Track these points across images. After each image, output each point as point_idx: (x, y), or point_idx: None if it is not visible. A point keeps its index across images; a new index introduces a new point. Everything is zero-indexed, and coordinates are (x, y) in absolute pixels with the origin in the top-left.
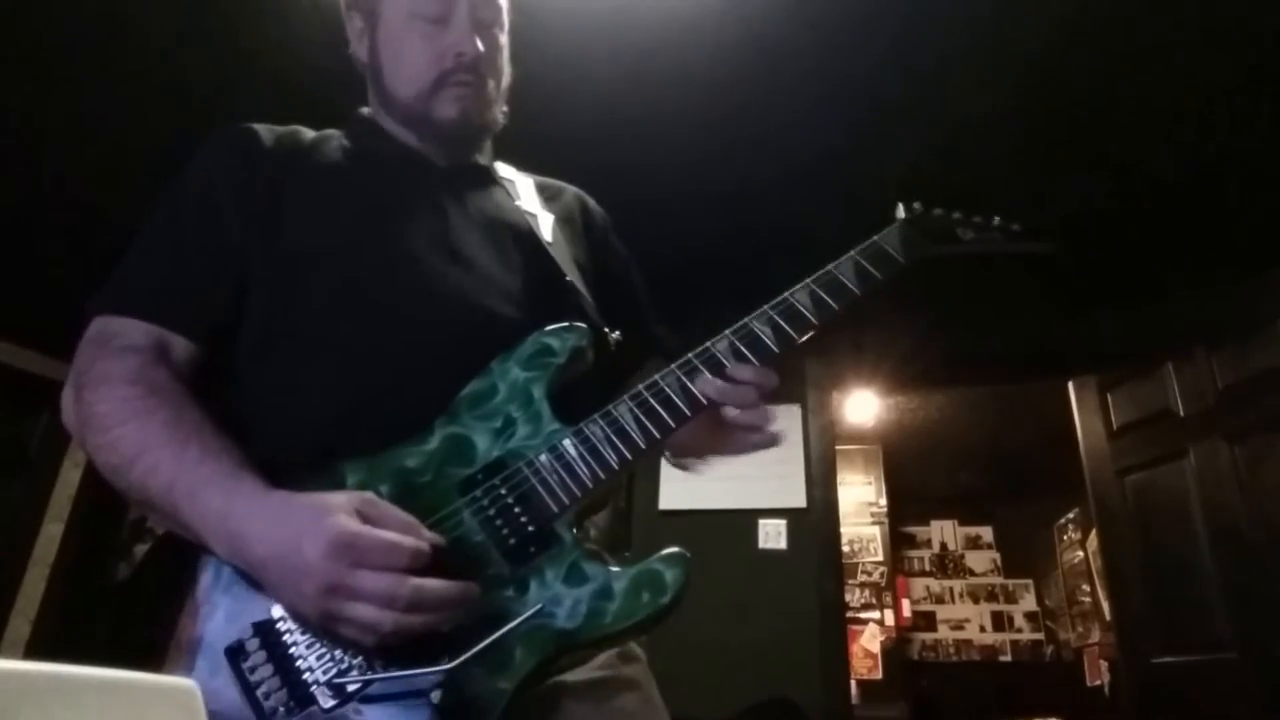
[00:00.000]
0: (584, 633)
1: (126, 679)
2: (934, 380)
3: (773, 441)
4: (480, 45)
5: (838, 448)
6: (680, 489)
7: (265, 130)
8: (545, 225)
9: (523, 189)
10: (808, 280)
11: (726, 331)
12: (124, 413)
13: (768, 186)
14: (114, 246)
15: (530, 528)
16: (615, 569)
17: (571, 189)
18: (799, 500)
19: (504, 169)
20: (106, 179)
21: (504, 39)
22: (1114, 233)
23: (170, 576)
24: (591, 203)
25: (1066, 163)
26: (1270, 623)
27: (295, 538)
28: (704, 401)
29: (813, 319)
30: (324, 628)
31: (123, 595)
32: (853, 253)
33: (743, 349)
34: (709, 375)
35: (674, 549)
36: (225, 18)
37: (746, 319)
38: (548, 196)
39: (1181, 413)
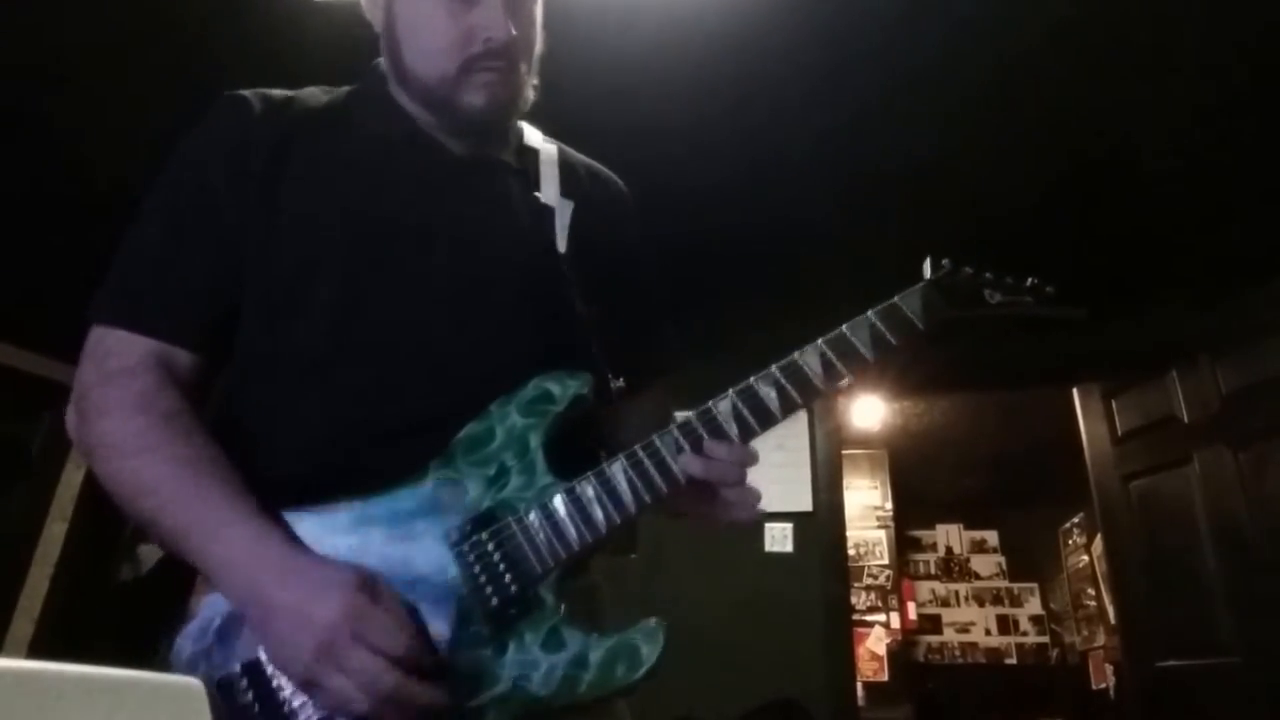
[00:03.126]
0: (557, 699)
1: (130, 678)
2: (939, 386)
3: (751, 519)
4: (513, 28)
5: (844, 452)
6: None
7: (263, 104)
8: (563, 224)
9: (545, 171)
10: (819, 341)
11: (730, 391)
12: (133, 445)
13: (764, 179)
14: (116, 248)
15: (513, 588)
16: (594, 637)
17: (596, 168)
18: (805, 504)
19: (529, 133)
20: (108, 178)
21: (538, 8)
22: (1117, 240)
23: (181, 578)
24: (615, 184)
25: (1067, 166)
26: (1274, 626)
27: (309, 596)
28: (689, 477)
29: (819, 385)
30: (304, 685)
31: (131, 596)
32: (870, 314)
33: (745, 412)
34: (709, 442)
35: (652, 622)
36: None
37: (752, 379)
38: (570, 177)
39: (1186, 419)
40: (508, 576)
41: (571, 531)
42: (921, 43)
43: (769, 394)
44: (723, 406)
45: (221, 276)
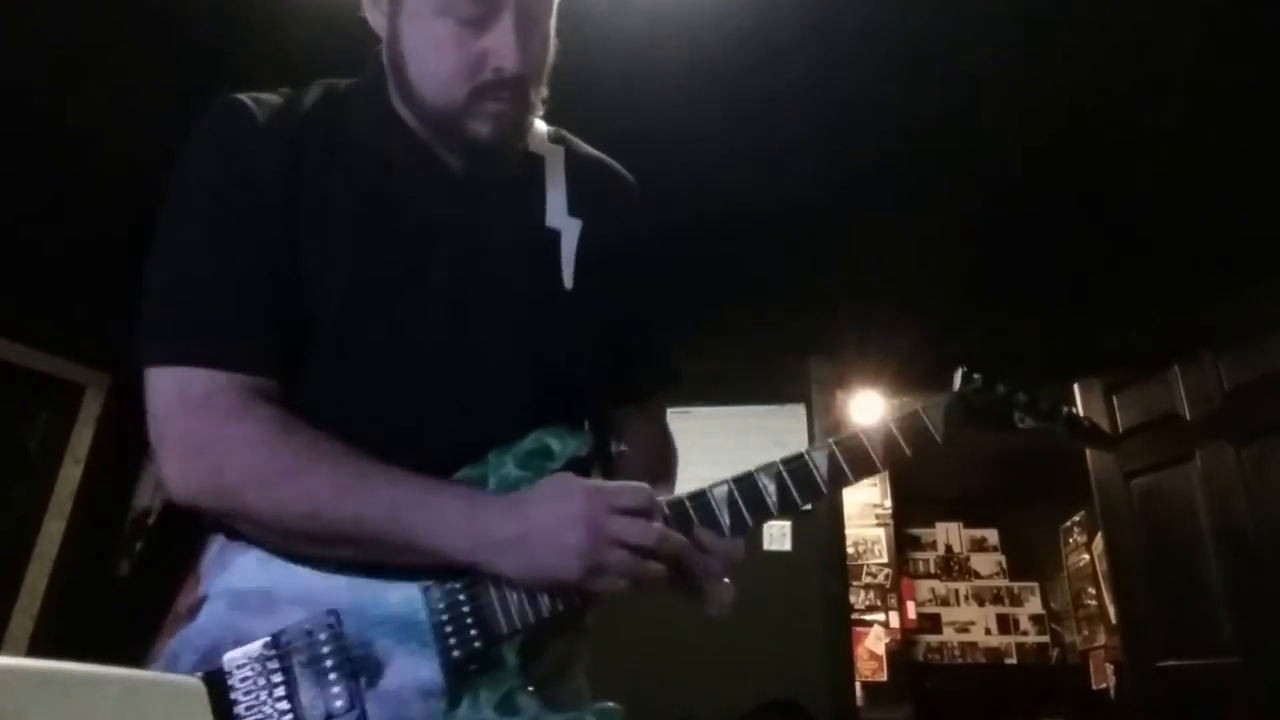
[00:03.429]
0: None
1: (132, 677)
2: (939, 381)
3: (719, 615)
4: (525, 55)
5: None
6: (683, 490)
7: (265, 113)
8: (569, 251)
9: (551, 182)
10: (830, 440)
11: (728, 478)
12: (305, 461)
13: (757, 164)
14: (112, 244)
15: (477, 643)
16: (548, 710)
17: (605, 166)
18: None
19: (536, 134)
20: (105, 176)
21: (552, 22)
22: (1120, 235)
23: (168, 568)
24: (623, 181)
25: (1068, 158)
26: (1276, 626)
27: (548, 502)
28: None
29: (823, 486)
30: (586, 579)
31: (121, 591)
32: (889, 420)
33: (740, 502)
34: (697, 528)
35: (609, 705)
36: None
37: (753, 469)
38: (577, 186)
39: (1187, 416)
40: (474, 630)
41: (544, 598)
42: (916, 29)
43: (768, 487)
44: (718, 492)
45: (280, 300)
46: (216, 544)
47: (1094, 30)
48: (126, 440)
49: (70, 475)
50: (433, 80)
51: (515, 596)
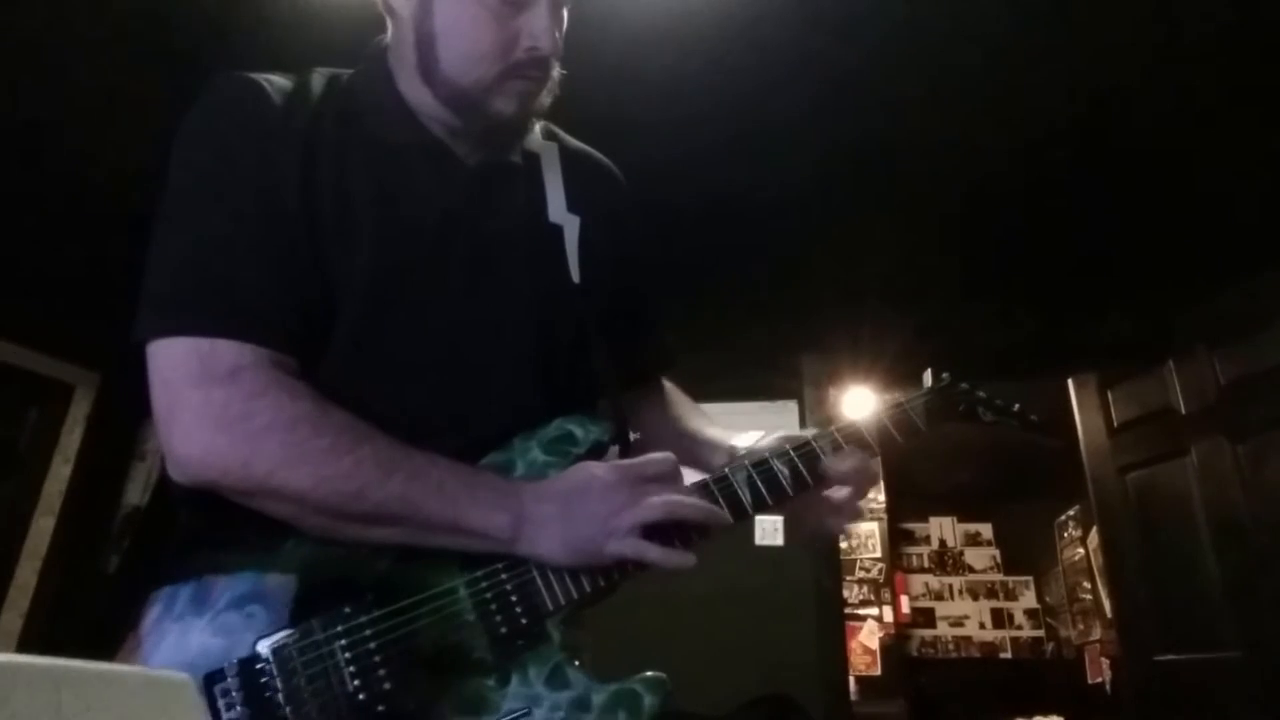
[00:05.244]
0: None
1: (121, 672)
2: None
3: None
4: (556, 38)
5: None
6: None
7: (279, 95)
8: (572, 247)
9: (549, 179)
10: (831, 428)
11: (746, 463)
12: (349, 439)
13: (750, 159)
14: (103, 243)
15: (523, 620)
16: (597, 682)
17: (594, 160)
18: None
19: (534, 134)
20: (92, 171)
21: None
22: (1115, 228)
23: (151, 564)
24: (613, 176)
25: (1063, 152)
26: (1272, 620)
27: (580, 477)
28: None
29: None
30: (626, 543)
31: (110, 588)
32: (880, 412)
33: (759, 483)
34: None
35: (656, 674)
36: None
37: (767, 455)
38: (573, 183)
39: (1183, 410)
40: (519, 608)
41: (587, 575)
42: (909, 25)
43: (783, 470)
44: (739, 476)
45: (302, 277)
46: (158, 607)
47: (1088, 23)
48: (116, 439)
49: (60, 474)
50: (465, 58)
51: (558, 574)
